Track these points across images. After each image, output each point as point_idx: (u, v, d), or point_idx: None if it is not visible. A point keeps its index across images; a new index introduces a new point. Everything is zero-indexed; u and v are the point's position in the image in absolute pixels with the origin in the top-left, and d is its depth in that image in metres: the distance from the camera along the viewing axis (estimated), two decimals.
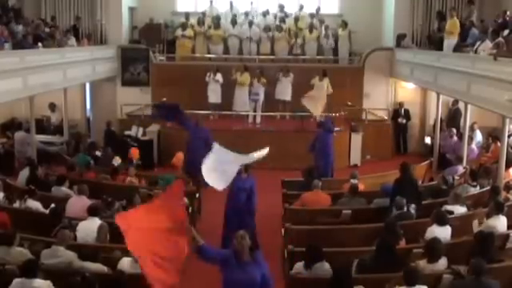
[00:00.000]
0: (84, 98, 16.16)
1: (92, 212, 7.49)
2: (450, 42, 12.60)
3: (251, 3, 17.88)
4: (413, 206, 8.25)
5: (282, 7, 17.69)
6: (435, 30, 15.00)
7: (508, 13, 12.14)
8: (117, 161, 11.79)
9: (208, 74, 15.16)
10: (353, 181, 9.85)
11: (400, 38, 15.61)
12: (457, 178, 10.51)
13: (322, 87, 14.91)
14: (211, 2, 17.81)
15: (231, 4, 17.81)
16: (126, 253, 6.48)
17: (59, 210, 7.90)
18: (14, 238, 6.47)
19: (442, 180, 9.70)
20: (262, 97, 15.10)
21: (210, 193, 11.00)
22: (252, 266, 5.43)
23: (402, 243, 7.19)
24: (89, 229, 7.31)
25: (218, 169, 7.38)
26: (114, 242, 7.25)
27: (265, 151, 8.39)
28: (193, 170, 11.18)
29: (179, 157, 12.17)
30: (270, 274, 5.60)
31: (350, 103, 15.53)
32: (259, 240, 8.32)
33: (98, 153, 12.87)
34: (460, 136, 13.02)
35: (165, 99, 14.71)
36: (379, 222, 7.76)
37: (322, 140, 12.33)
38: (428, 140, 15.07)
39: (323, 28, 16.94)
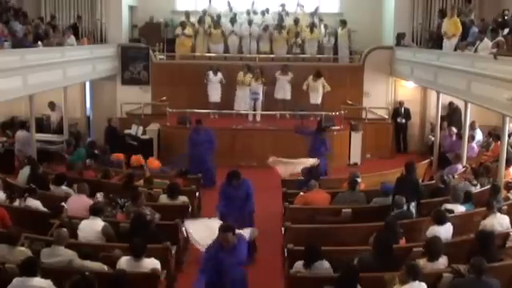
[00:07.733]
0: (84, 96, 16.14)
1: (94, 212, 7.48)
2: (451, 42, 12.55)
3: (253, 3, 17.81)
4: (413, 204, 8.24)
5: (283, 6, 17.67)
6: (436, 29, 14.93)
7: (506, 11, 12.13)
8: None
9: (206, 75, 15.12)
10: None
11: (400, 37, 15.61)
12: (456, 176, 10.51)
13: (316, 89, 14.92)
14: (210, 0, 17.80)
15: (229, 3, 17.78)
16: (126, 252, 6.50)
17: (59, 208, 7.87)
18: (18, 239, 6.48)
19: (440, 179, 9.68)
20: (261, 96, 15.14)
21: (209, 192, 11.09)
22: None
23: (402, 242, 7.19)
24: (91, 228, 7.31)
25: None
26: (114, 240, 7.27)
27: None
28: (197, 169, 11.74)
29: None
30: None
31: (350, 102, 15.57)
32: (259, 240, 8.28)
33: (96, 152, 12.85)
34: (458, 135, 12.99)
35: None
36: (379, 220, 7.76)
37: (312, 139, 12.23)
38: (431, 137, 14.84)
39: (322, 27, 16.92)
